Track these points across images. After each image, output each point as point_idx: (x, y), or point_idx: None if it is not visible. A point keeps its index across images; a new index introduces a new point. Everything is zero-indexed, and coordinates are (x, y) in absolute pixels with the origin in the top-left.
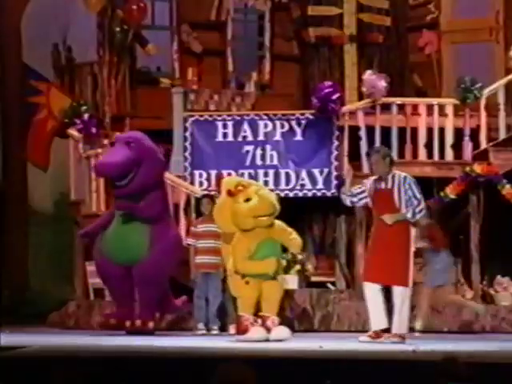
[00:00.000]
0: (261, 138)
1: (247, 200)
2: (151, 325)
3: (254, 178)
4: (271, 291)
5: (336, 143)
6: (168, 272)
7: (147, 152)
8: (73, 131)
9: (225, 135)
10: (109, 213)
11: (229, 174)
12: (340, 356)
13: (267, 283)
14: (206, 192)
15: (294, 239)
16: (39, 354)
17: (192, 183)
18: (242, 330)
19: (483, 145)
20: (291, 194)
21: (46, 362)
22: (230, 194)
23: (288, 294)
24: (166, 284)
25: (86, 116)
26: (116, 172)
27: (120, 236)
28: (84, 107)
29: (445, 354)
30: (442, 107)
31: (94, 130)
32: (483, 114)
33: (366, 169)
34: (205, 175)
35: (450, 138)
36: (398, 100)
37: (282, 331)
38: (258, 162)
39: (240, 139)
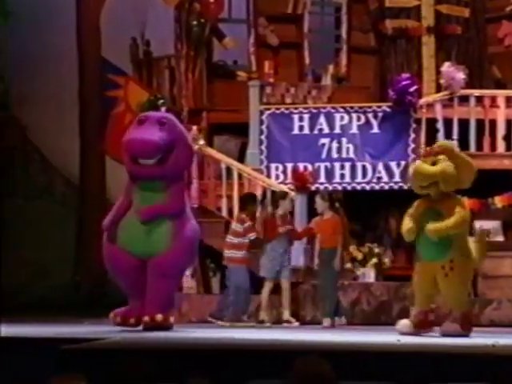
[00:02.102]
0: (337, 130)
1: (433, 164)
2: (163, 319)
3: (330, 171)
4: None
5: (413, 136)
6: (187, 266)
7: (180, 135)
8: None
9: (301, 128)
10: (126, 198)
11: (305, 167)
12: (418, 350)
13: None
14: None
15: None
16: (118, 345)
17: (268, 176)
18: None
19: None
20: (368, 187)
21: (123, 353)
22: (424, 154)
23: (365, 287)
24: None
25: (163, 110)
26: (155, 152)
27: (141, 228)
28: (161, 101)
29: None
30: None
31: None
32: None
33: None
34: (281, 168)
35: None
36: (477, 92)
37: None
38: (334, 154)
39: (316, 132)
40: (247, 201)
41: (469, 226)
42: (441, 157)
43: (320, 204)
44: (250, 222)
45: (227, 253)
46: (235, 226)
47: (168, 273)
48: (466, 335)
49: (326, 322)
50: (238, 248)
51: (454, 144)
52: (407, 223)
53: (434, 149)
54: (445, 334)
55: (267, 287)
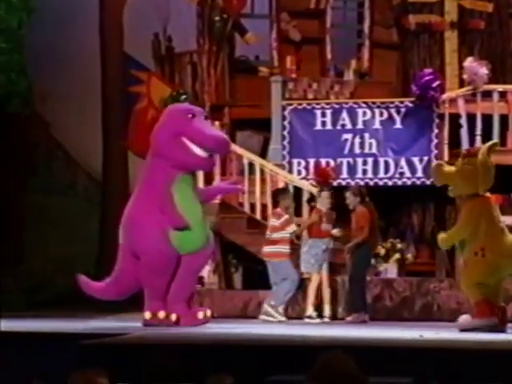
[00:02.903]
0: (359, 126)
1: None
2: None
3: (353, 166)
4: None
5: (436, 131)
6: None
7: None
8: None
9: (323, 123)
10: (168, 191)
11: (327, 163)
12: (441, 345)
13: None
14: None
15: None
16: (140, 340)
17: (290, 172)
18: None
19: None
20: (390, 183)
21: (146, 348)
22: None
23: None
24: None
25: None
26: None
27: (202, 224)
28: (184, 96)
29: None
30: None
31: None
32: None
33: None
34: (303, 163)
35: None
36: (500, 87)
37: None
38: (357, 150)
39: (339, 127)
40: (279, 195)
41: (480, 224)
42: (464, 160)
43: (352, 200)
44: (286, 216)
45: (267, 248)
46: (272, 221)
47: (201, 268)
48: (483, 326)
49: (352, 317)
50: (278, 243)
51: (486, 146)
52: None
53: (464, 151)
54: (461, 328)
55: (315, 283)
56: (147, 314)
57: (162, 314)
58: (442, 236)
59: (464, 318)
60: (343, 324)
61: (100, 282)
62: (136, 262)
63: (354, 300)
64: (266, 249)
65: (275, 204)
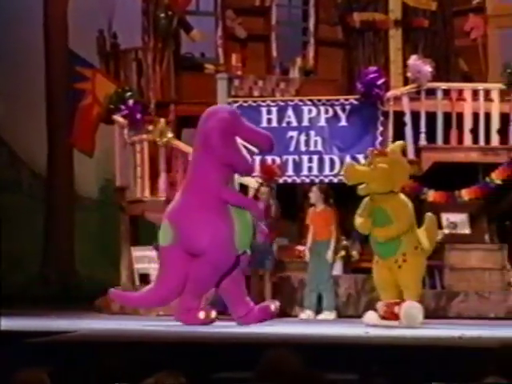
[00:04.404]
0: (305, 123)
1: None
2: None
3: (299, 163)
4: None
5: (381, 129)
6: None
7: None
8: (118, 117)
9: (269, 121)
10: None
11: (273, 160)
12: (386, 342)
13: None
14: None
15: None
16: (86, 338)
17: None
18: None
19: None
20: (335, 180)
21: (93, 346)
22: (368, 154)
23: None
24: None
25: (130, 102)
26: None
27: (246, 223)
28: (129, 93)
29: (501, 341)
30: (487, 92)
31: (138, 116)
32: None
33: (410, 154)
34: None
35: (495, 124)
36: (444, 85)
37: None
38: (303, 147)
39: (284, 125)
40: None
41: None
42: (378, 159)
43: (316, 195)
44: None
45: None
46: None
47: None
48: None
49: (331, 314)
50: None
51: (398, 146)
52: (358, 219)
53: (375, 151)
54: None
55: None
56: (202, 314)
57: (214, 314)
58: (385, 232)
59: (370, 317)
60: (316, 321)
61: (135, 292)
62: (190, 259)
63: (333, 298)
64: None
65: None
